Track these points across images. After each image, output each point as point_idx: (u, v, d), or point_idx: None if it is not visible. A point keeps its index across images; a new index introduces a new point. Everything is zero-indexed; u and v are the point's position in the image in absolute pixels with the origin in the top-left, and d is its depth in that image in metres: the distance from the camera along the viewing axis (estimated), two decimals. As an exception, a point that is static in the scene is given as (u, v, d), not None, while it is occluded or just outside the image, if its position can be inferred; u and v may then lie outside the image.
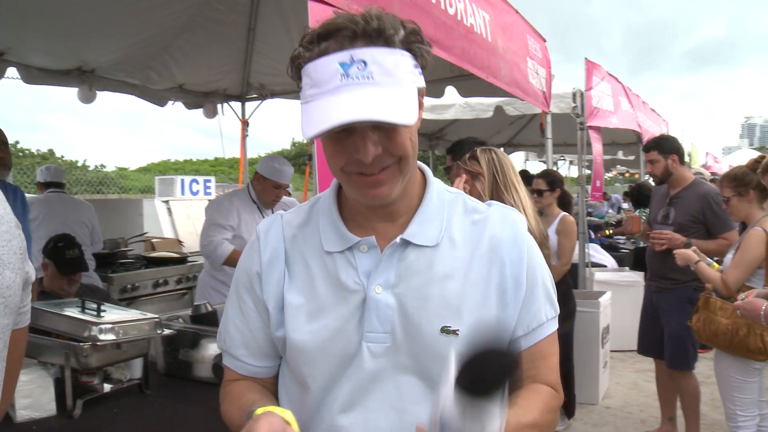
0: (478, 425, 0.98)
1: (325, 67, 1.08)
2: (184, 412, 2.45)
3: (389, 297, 1.21)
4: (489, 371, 0.97)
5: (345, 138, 1.12)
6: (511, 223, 1.30)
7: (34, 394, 2.37)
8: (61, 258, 3.52)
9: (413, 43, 1.13)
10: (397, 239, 1.22)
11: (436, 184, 1.30)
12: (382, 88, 1.07)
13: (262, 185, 4.29)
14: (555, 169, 6.32)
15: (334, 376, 1.23)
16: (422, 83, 1.17)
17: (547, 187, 4.75)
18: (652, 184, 5.27)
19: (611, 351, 6.14)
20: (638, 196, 8.48)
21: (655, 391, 4.87)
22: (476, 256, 1.25)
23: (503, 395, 0.97)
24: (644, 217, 8.20)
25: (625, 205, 10.76)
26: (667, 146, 4.40)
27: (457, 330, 1.20)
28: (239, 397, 1.30)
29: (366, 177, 1.14)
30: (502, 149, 11.42)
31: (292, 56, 1.14)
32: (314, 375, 1.24)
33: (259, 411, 1.11)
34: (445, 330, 1.20)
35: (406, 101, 1.09)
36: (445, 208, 1.28)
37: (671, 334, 4.27)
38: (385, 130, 1.12)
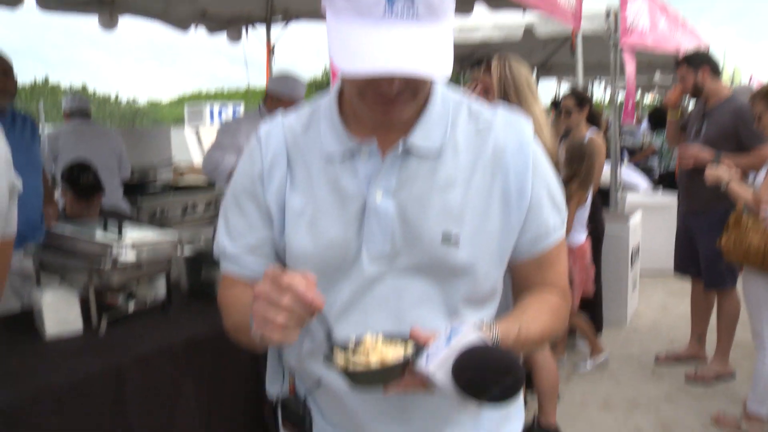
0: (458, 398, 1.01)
1: None
2: (206, 330, 2.49)
3: (389, 203, 1.19)
4: (488, 382, 0.98)
5: None
6: (517, 129, 1.25)
7: (61, 312, 2.43)
8: (76, 182, 3.61)
9: None
10: (399, 145, 1.19)
11: (440, 88, 1.25)
12: (424, 29, 1.02)
13: (275, 105, 4.16)
14: (588, 91, 6.17)
15: (333, 282, 1.21)
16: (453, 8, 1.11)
17: (575, 105, 4.62)
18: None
19: (642, 273, 6.10)
20: (656, 117, 8.25)
21: (685, 313, 4.84)
22: (479, 163, 1.22)
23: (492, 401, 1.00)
24: (661, 140, 8.00)
25: (644, 126, 10.42)
26: (696, 59, 4.21)
27: (458, 238, 1.18)
28: (246, 295, 1.25)
29: (382, 96, 1.10)
30: (534, 69, 11.02)
31: None
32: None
33: None
34: (445, 237, 1.18)
35: (445, 46, 1.05)
36: (449, 113, 1.23)
37: (706, 255, 4.20)
38: None
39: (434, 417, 1.27)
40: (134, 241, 2.47)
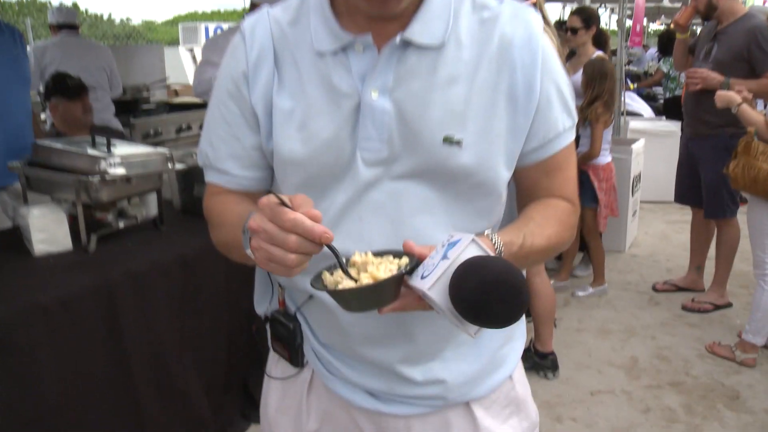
0: (456, 320, 0.93)
1: None
2: (198, 245, 2.44)
3: (386, 102, 1.08)
4: (489, 300, 0.88)
5: None
6: (525, 21, 1.13)
7: (49, 229, 2.37)
8: (64, 86, 3.53)
9: None
10: (397, 38, 1.07)
11: None
12: None
13: None
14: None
15: (325, 188, 1.12)
16: None
17: (582, 24, 4.43)
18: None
19: (643, 202, 6.04)
20: (666, 41, 7.97)
21: (684, 242, 4.81)
22: (484, 58, 1.11)
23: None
24: (668, 65, 7.75)
25: (652, 53, 10.16)
26: None
27: (461, 139, 1.09)
28: (234, 206, 1.18)
29: None
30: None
31: None
32: (305, 187, 1.14)
33: None
34: (447, 139, 1.08)
35: None
36: (451, 3, 1.11)
37: (708, 183, 4.11)
38: None
39: (433, 337, 1.20)
40: (123, 155, 2.38)
